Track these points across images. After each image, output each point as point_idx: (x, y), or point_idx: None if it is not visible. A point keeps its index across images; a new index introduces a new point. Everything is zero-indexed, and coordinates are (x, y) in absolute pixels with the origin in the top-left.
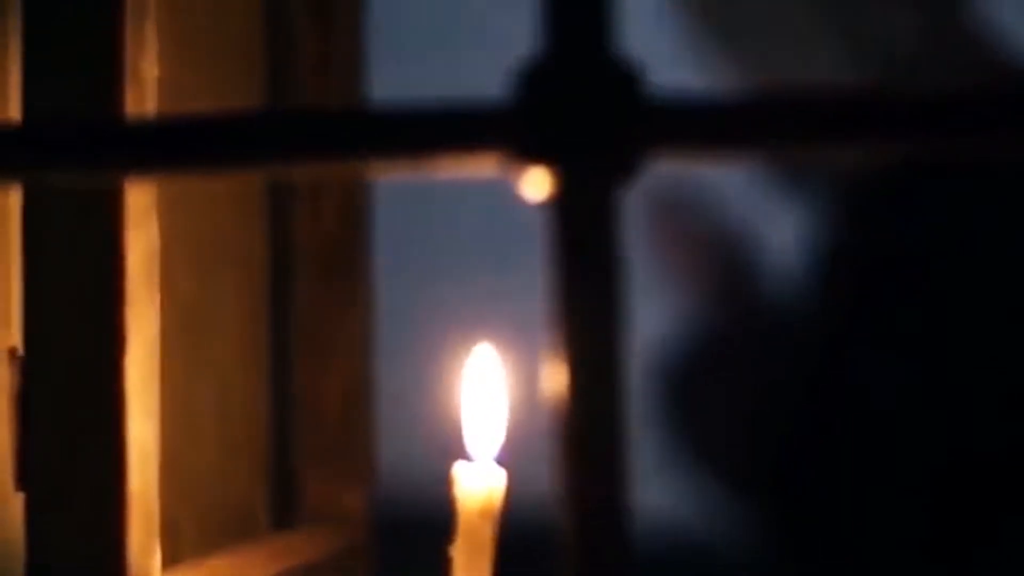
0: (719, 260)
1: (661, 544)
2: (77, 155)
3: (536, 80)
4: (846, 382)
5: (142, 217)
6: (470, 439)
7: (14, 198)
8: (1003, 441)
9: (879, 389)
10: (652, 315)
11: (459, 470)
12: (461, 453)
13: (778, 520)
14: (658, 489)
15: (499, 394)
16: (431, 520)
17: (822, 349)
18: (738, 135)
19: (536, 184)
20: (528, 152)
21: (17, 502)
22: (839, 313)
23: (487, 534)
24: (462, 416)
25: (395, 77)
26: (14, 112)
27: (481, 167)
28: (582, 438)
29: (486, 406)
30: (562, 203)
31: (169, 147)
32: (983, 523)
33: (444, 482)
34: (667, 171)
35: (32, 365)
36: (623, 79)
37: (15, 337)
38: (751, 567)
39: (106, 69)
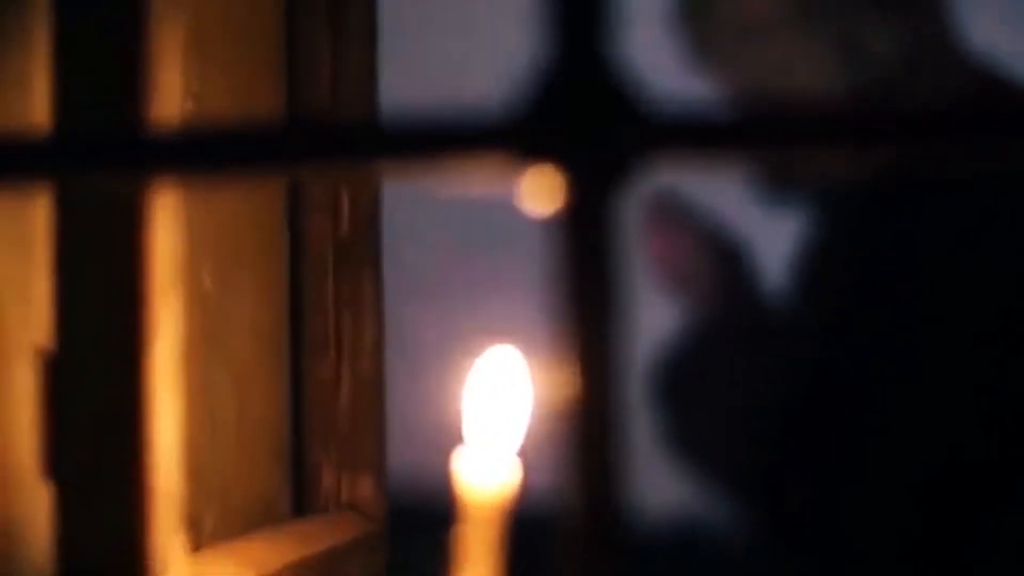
0: (712, 263)
1: (663, 538)
2: (104, 162)
3: (538, 87)
4: (836, 382)
5: (167, 220)
6: (478, 432)
7: (37, 201)
8: (992, 439)
9: (869, 388)
10: (648, 316)
11: (464, 459)
12: (469, 444)
13: (771, 517)
14: (661, 485)
15: (518, 390)
16: (441, 509)
17: (813, 351)
18: (733, 141)
19: (537, 190)
20: (530, 155)
21: (42, 492)
22: (830, 315)
23: (497, 524)
24: (472, 411)
25: (403, 83)
26: (40, 117)
27: (486, 170)
28: (584, 432)
29: (499, 401)
30: (563, 205)
31: (192, 155)
32: (971, 520)
33: (452, 473)
34: (665, 176)
35: (61, 362)
36: (622, 86)
37: (39, 336)
38: (748, 562)
39: (132, 77)
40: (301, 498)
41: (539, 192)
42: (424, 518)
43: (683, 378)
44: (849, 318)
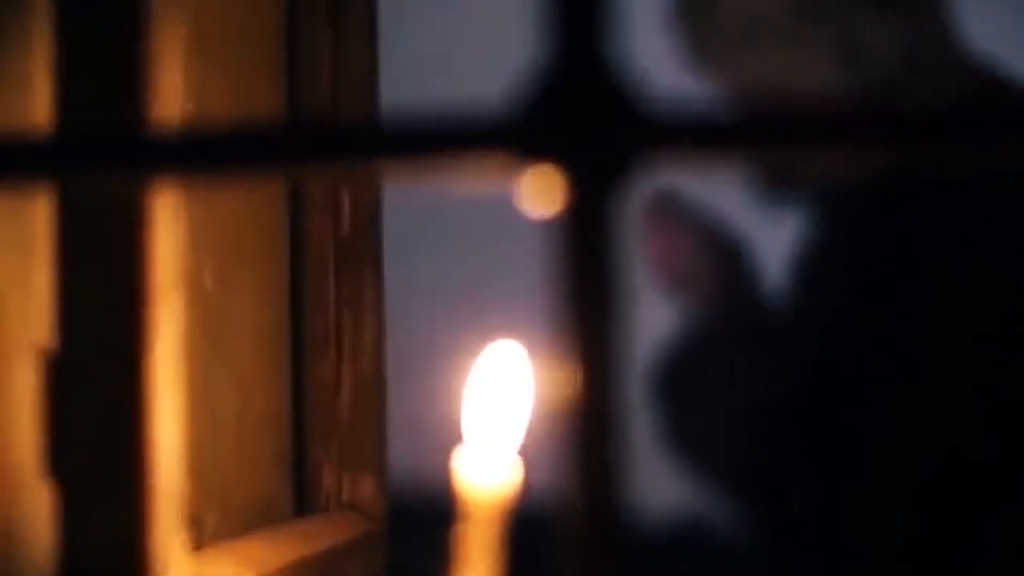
0: (712, 262)
1: (662, 538)
2: (104, 162)
3: (538, 86)
4: (836, 382)
5: (168, 220)
6: (479, 431)
7: (38, 201)
8: (992, 439)
9: (869, 388)
10: (648, 316)
11: (465, 459)
12: (470, 443)
13: (771, 517)
14: (661, 485)
15: (520, 389)
16: (442, 508)
17: (813, 351)
18: (733, 141)
19: (537, 190)
20: (530, 155)
21: (43, 492)
22: (829, 315)
23: (498, 523)
24: (472, 410)
25: (403, 83)
26: (41, 117)
27: (486, 170)
28: (584, 431)
29: (500, 400)
30: (563, 205)
31: (192, 155)
32: (971, 520)
33: (453, 472)
34: (665, 176)
35: (62, 362)
36: (622, 86)
37: (39, 335)
38: (748, 561)
39: (133, 78)
40: (302, 498)
41: (539, 192)
42: (424, 518)
43: (683, 378)
44: (849, 318)
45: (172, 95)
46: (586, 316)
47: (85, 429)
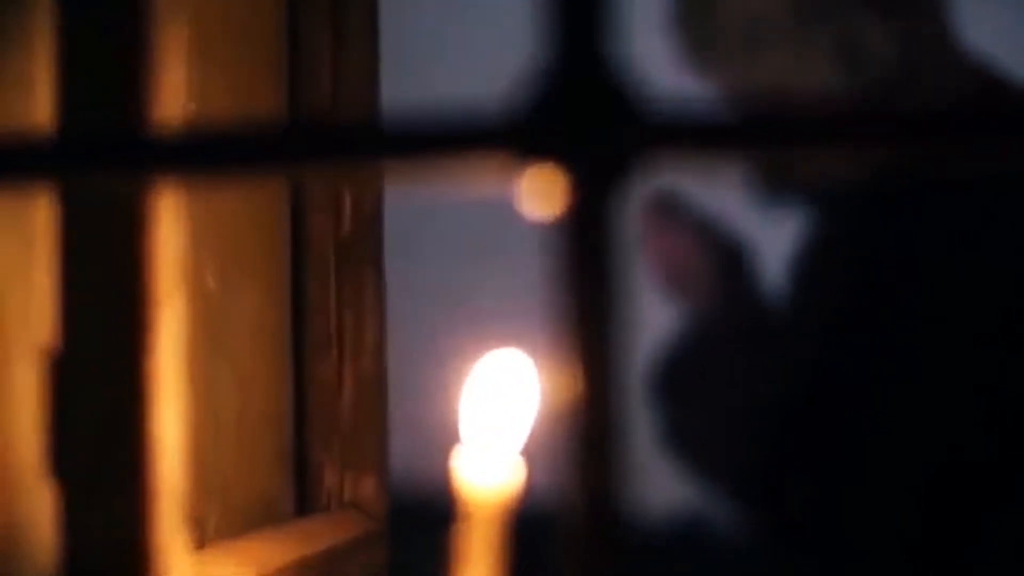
0: (711, 262)
1: (663, 538)
2: (106, 163)
3: (539, 86)
4: (836, 382)
5: (170, 221)
6: (480, 432)
7: (40, 201)
8: (992, 439)
9: (869, 388)
10: (648, 316)
11: (466, 459)
12: (470, 443)
13: (771, 518)
14: (661, 485)
15: (520, 390)
16: (443, 508)
17: (812, 351)
18: (733, 141)
19: (537, 190)
20: (530, 155)
21: (46, 492)
22: (829, 315)
23: (499, 523)
24: (473, 411)
25: (403, 83)
26: (42, 118)
27: (486, 170)
28: (585, 431)
29: (501, 401)
30: (564, 205)
31: (193, 156)
32: (971, 520)
33: (454, 472)
34: (665, 175)
35: (65, 361)
36: (622, 86)
37: (41, 334)
38: (748, 561)
39: (134, 78)
40: (303, 497)
41: (539, 192)
42: (425, 517)
43: (682, 378)
44: (849, 318)
45: (173, 95)
46: (586, 316)
47: (87, 429)
